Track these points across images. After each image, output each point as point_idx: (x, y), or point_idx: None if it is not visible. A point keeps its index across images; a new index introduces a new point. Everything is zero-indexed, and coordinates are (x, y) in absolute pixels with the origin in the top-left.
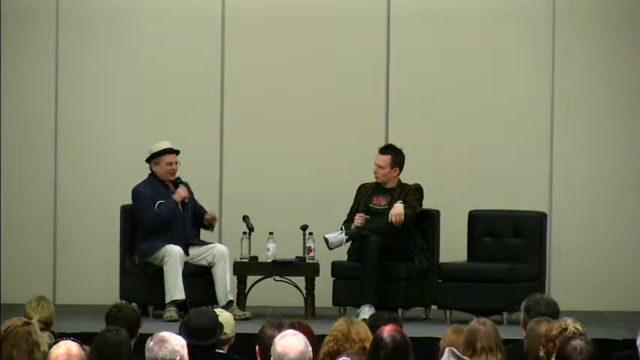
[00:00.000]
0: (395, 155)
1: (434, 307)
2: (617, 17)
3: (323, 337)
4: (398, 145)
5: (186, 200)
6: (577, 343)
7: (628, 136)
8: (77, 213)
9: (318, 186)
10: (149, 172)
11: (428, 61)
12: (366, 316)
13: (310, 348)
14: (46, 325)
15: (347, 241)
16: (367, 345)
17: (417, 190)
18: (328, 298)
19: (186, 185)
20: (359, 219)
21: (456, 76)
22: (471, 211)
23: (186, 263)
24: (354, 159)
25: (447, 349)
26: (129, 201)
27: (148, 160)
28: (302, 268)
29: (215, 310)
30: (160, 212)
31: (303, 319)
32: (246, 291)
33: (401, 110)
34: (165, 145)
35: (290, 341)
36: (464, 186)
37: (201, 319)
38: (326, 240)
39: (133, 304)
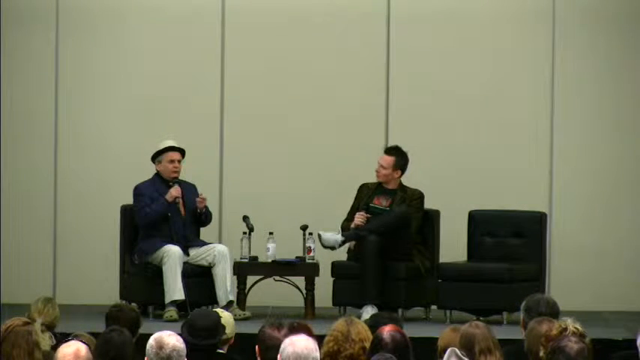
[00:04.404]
0: (399, 157)
1: (434, 307)
2: (616, 17)
3: (323, 337)
4: (403, 147)
5: (177, 200)
6: (573, 337)
7: (628, 136)
8: (77, 213)
9: (318, 186)
10: (155, 171)
11: (428, 61)
12: (369, 317)
13: (317, 354)
14: (48, 327)
15: (343, 242)
16: (367, 345)
17: (418, 200)
18: (328, 298)
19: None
20: (359, 217)
21: (456, 76)
22: (471, 211)
23: (186, 263)
24: (354, 159)
25: (449, 349)
26: (129, 201)
27: (153, 159)
28: (302, 268)
29: (215, 310)
30: (149, 212)
31: (303, 319)
32: (246, 291)
33: (401, 110)
34: (168, 143)
35: (298, 338)
36: (464, 186)
37: (204, 319)
38: (319, 236)
39: (133, 304)
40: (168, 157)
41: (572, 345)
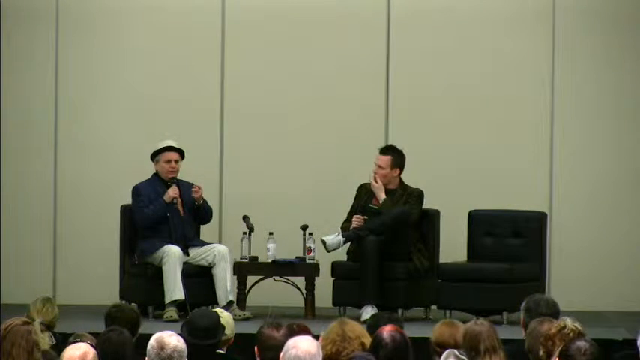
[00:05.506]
0: (395, 156)
1: (434, 307)
2: (617, 17)
3: None
4: (398, 146)
5: (175, 201)
6: (582, 344)
7: (628, 137)
8: (77, 213)
9: (318, 186)
10: (154, 171)
11: (428, 61)
12: (369, 316)
13: (320, 358)
14: (48, 327)
15: (344, 242)
16: (365, 341)
17: (417, 197)
18: (328, 298)
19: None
20: (356, 220)
21: (455, 76)
22: (471, 211)
23: (186, 263)
24: (354, 159)
25: (448, 351)
26: (129, 201)
27: (152, 159)
28: (302, 268)
29: (215, 310)
30: (148, 212)
31: (303, 319)
32: (246, 291)
33: (401, 110)
34: (167, 143)
35: (302, 340)
36: (464, 186)
37: (204, 319)
38: (323, 242)
39: (133, 304)
40: (165, 157)
41: (581, 357)
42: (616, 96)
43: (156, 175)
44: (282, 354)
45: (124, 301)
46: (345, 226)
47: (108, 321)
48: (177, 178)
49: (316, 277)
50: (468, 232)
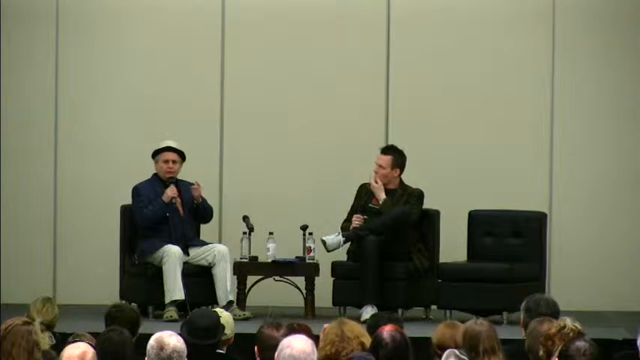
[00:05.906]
0: (396, 156)
1: (434, 307)
2: (617, 17)
3: None
4: (399, 146)
5: (173, 201)
6: (581, 344)
7: (628, 137)
8: (77, 213)
9: (318, 186)
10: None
11: (428, 61)
12: (369, 316)
13: (315, 356)
14: (48, 327)
15: (344, 242)
16: (364, 341)
17: (417, 197)
18: (328, 298)
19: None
20: (356, 220)
21: (455, 76)
22: (471, 211)
23: (186, 263)
24: (354, 159)
25: (448, 350)
26: (129, 201)
27: (153, 158)
28: (302, 268)
29: (215, 310)
30: (147, 212)
31: (303, 319)
32: (246, 291)
33: (401, 110)
34: (166, 143)
35: (297, 339)
36: (464, 186)
37: (204, 319)
38: (323, 242)
39: (133, 304)
40: (163, 157)
41: (581, 357)
42: (616, 96)
43: (156, 175)
44: (276, 353)
45: (124, 301)
46: (345, 226)
47: (108, 321)
48: (178, 178)
49: (316, 277)
50: (468, 232)
